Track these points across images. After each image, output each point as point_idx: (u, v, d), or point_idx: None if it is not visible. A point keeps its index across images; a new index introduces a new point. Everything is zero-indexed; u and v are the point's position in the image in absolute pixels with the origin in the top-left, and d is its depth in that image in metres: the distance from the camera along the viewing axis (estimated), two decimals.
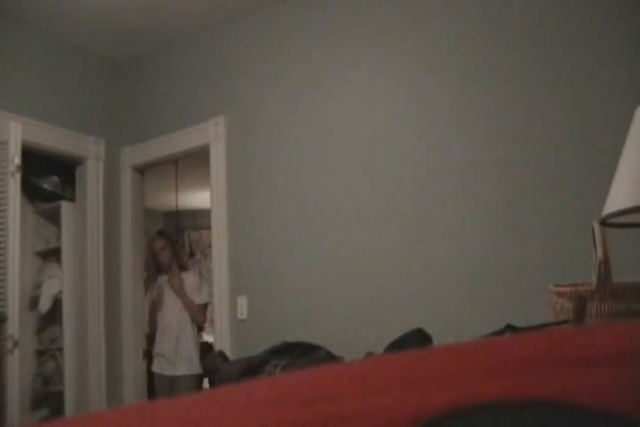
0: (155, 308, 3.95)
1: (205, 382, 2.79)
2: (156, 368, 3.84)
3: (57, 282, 3.78)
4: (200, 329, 4.32)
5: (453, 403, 0.31)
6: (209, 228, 3.60)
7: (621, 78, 2.41)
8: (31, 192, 3.93)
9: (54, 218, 3.91)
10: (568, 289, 1.30)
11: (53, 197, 3.95)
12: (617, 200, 1.27)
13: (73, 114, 3.79)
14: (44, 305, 3.81)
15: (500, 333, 1.38)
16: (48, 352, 3.87)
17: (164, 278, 3.99)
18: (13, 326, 3.03)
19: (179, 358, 3.78)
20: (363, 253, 2.97)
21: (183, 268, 4.13)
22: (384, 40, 3.07)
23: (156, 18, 3.62)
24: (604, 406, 0.30)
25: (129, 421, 0.38)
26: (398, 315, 2.77)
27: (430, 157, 2.86)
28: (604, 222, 1.33)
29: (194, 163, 4.53)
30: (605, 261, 1.23)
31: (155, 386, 3.88)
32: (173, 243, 4.18)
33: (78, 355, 3.65)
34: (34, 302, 3.87)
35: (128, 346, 3.78)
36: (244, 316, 3.31)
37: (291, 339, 2.60)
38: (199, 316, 3.99)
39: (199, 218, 7.56)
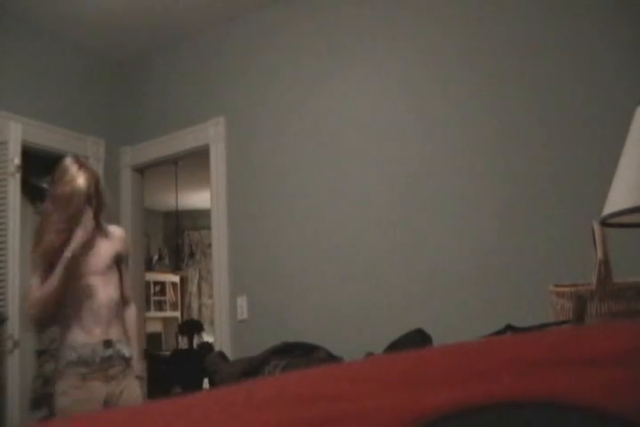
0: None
1: (205, 383, 2.79)
2: None
3: None
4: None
5: (454, 403, 0.31)
6: (209, 228, 3.60)
7: (621, 78, 2.41)
8: (31, 192, 3.93)
9: None
10: (568, 289, 1.30)
11: None
12: (617, 200, 1.27)
13: (73, 114, 3.79)
14: None
15: (500, 333, 1.38)
16: (48, 352, 3.87)
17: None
18: (13, 327, 3.03)
19: None
20: (363, 252, 2.97)
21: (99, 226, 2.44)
22: (384, 40, 3.07)
23: (156, 18, 3.62)
24: (604, 405, 0.30)
25: (130, 421, 0.38)
26: (398, 315, 2.77)
27: (431, 157, 2.86)
28: (604, 222, 1.33)
29: (194, 163, 4.54)
30: (605, 261, 1.23)
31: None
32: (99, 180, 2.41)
33: None
34: None
35: None
36: (244, 316, 3.31)
37: (291, 339, 2.61)
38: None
39: (199, 218, 7.57)
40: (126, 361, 2.36)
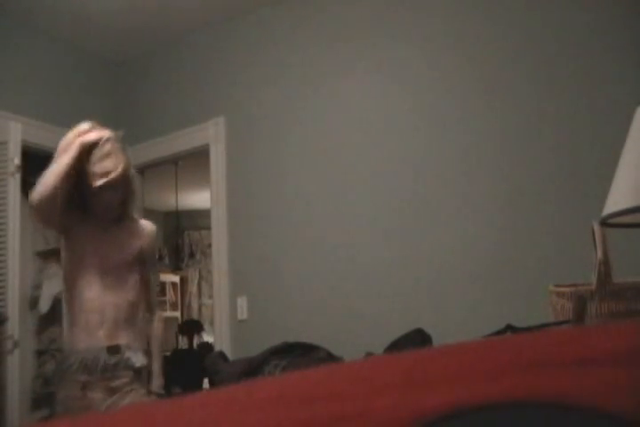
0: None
1: (205, 383, 2.79)
2: None
3: (57, 282, 3.79)
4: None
5: (454, 403, 0.31)
6: (209, 228, 3.60)
7: (621, 78, 2.41)
8: (31, 193, 3.92)
9: None
10: (568, 289, 1.30)
11: None
12: (617, 200, 1.27)
13: (73, 114, 3.78)
14: (44, 305, 3.81)
15: (500, 333, 1.38)
16: (48, 353, 3.87)
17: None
18: (13, 327, 3.03)
19: None
20: (363, 252, 2.97)
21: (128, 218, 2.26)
22: (384, 40, 3.07)
23: (155, 18, 3.62)
24: (604, 406, 0.30)
25: (130, 421, 0.38)
26: (398, 315, 2.77)
27: (431, 157, 2.86)
28: (604, 222, 1.33)
29: (194, 163, 4.53)
30: (605, 261, 1.23)
31: None
32: (129, 166, 2.25)
33: None
34: (34, 303, 3.86)
35: None
36: (244, 316, 3.31)
37: (291, 339, 2.61)
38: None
39: (199, 218, 7.56)
40: (135, 372, 2.02)
